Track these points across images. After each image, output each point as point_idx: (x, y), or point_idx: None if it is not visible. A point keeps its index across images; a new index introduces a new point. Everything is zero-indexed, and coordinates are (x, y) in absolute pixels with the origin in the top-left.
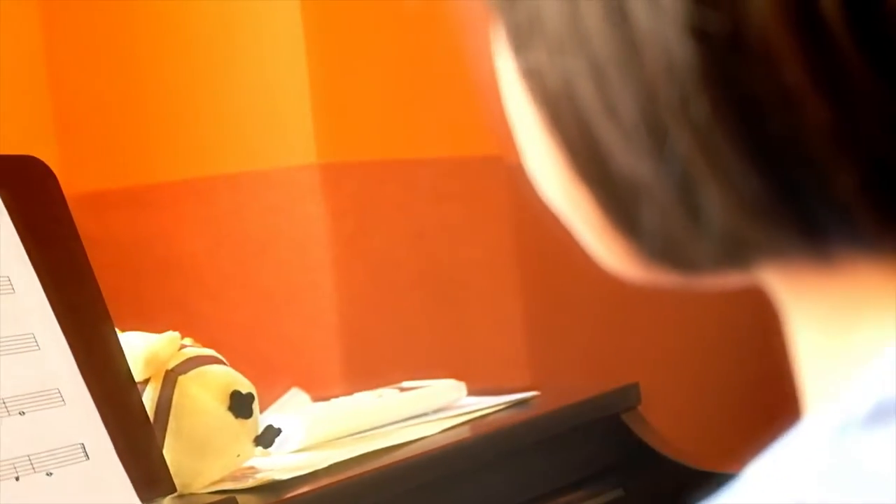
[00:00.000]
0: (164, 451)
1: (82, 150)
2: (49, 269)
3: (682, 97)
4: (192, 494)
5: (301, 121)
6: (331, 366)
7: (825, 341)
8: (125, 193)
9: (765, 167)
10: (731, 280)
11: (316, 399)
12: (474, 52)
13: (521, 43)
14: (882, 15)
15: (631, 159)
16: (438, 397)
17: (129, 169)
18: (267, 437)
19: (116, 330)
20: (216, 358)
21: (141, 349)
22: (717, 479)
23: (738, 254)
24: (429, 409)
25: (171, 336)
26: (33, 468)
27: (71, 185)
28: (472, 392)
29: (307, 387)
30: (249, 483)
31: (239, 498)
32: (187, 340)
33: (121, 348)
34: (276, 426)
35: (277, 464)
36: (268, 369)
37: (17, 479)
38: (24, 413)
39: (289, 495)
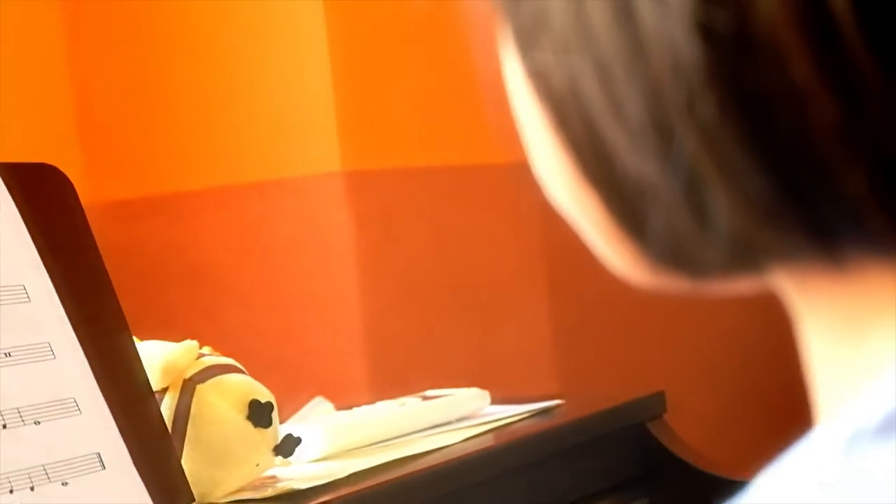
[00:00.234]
0: (183, 461)
1: (107, 158)
2: (65, 277)
3: (689, 96)
4: None
5: (326, 129)
6: (356, 374)
7: (837, 350)
8: (151, 202)
9: (772, 167)
10: (742, 286)
11: (339, 408)
12: (483, 55)
13: (526, 43)
14: (893, 12)
15: (637, 159)
16: (462, 406)
17: (155, 178)
18: (286, 447)
19: (135, 339)
20: (235, 367)
21: (159, 358)
22: (742, 489)
23: (746, 257)
24: (452, 418)
25: (189, 345)
26: (48, 478)
27: (97, 193)
28: (497, 400)
29: (332, 395)
30: (269, 492)
31: None
32: (206, 349)
33: (138, 357)
34: (295, 435)
35: (297, 473)
36: (293, 377)
37: (31, 488)
38: (39, 422)
39: None
